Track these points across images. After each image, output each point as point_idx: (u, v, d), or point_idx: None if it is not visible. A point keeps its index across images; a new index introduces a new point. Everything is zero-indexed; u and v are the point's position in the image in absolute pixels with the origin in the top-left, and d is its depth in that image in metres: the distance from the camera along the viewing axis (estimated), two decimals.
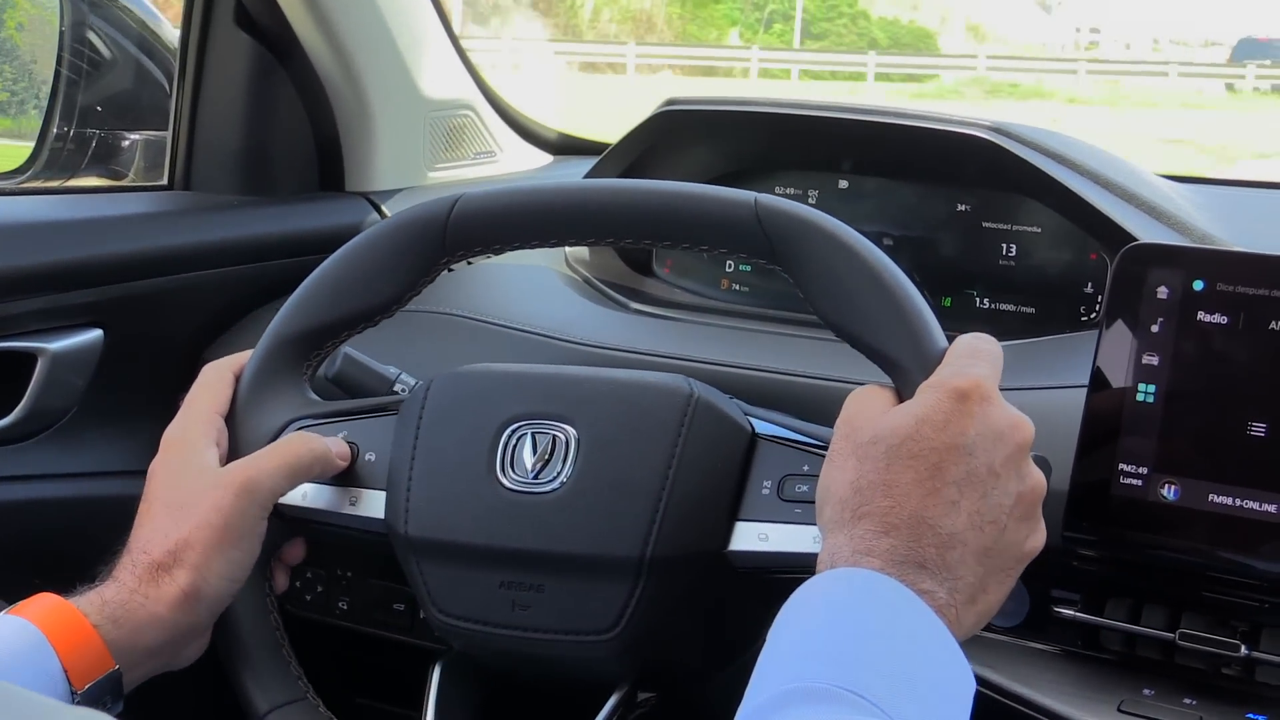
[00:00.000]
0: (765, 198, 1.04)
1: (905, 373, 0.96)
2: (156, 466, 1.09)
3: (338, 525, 1.11)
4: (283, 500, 1.10)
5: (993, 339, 0.97)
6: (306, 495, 1.11)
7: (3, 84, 1.74)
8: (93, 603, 1.00)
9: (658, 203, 1.08)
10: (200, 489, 1.05)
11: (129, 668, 1.00)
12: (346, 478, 1.11)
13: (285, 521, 1.11)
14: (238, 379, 1.14)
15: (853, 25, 26.24)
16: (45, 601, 0.99)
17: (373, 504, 1.09)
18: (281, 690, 1.07)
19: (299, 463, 1.08)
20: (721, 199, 1.06)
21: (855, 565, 0.85)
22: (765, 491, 1.01)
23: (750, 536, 1.01)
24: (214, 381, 1.13)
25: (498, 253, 1.13)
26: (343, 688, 1.49)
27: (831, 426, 0.95)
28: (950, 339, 0.98)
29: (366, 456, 1.11)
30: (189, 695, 1.29)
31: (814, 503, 0.94)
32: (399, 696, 1.54)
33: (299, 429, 1.12)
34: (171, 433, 1.10)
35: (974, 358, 0.93)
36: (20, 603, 0.99)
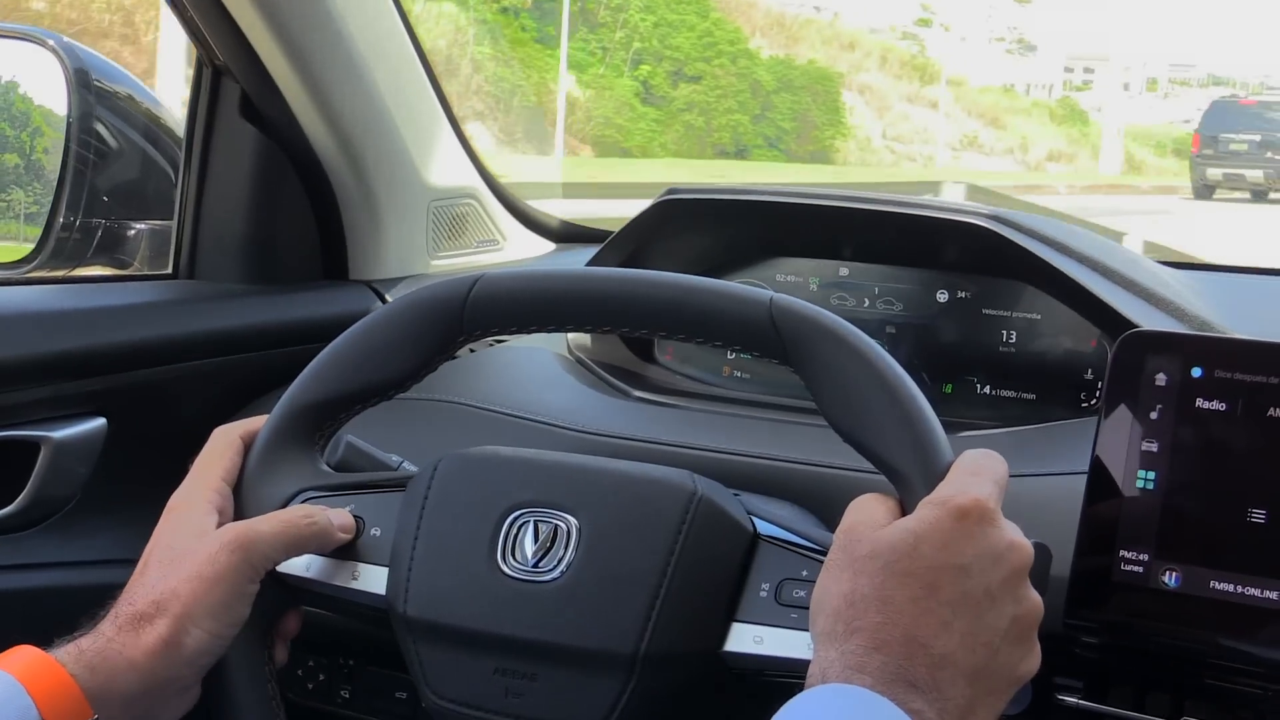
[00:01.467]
0: (780, 298, 1.05)
1: (909, 484, 0.97)
2: (160, 528, 1.10)
3: (339, 598, 1.11)
4: (286, 569, 1.10)
5: (998, 456, 0.97)
6: (310, 566, 1.11)
7: (33, 198, 1.76)
8: (69, 652, 1.01)
9: (675, 296, 1.09)
10: (194, 545, 1.06)
11: (107, 718, 0.99)
12: (351, 552, 1.11)
13: (287, 591, 1.12)
14: (247, 446, 1.15)
15: (732, 65, 24.02)
16: (23, 653, 0.99)
17: (375, 579, 1.10)
18: None
19: (298, 534, 1.08)
20: (737, 296, 1.07)
21: (846, 681, 0.85)
22: (763, 594, 1.01)
23: (745, 638, 1.01)
24: (223, 449, 1.14)
25: (513, 334, 1.14)
26: None
27: (832, 519, 0.95)
28: (951, 431, 0.98)
29: (372, 531, 1.11)
30: None
31: (810, 609, 0.94)
32: None
33: (307, 500, 1.13)
34: (176, 497, 1.11)
35: (977, 476, 0.94)
36: None
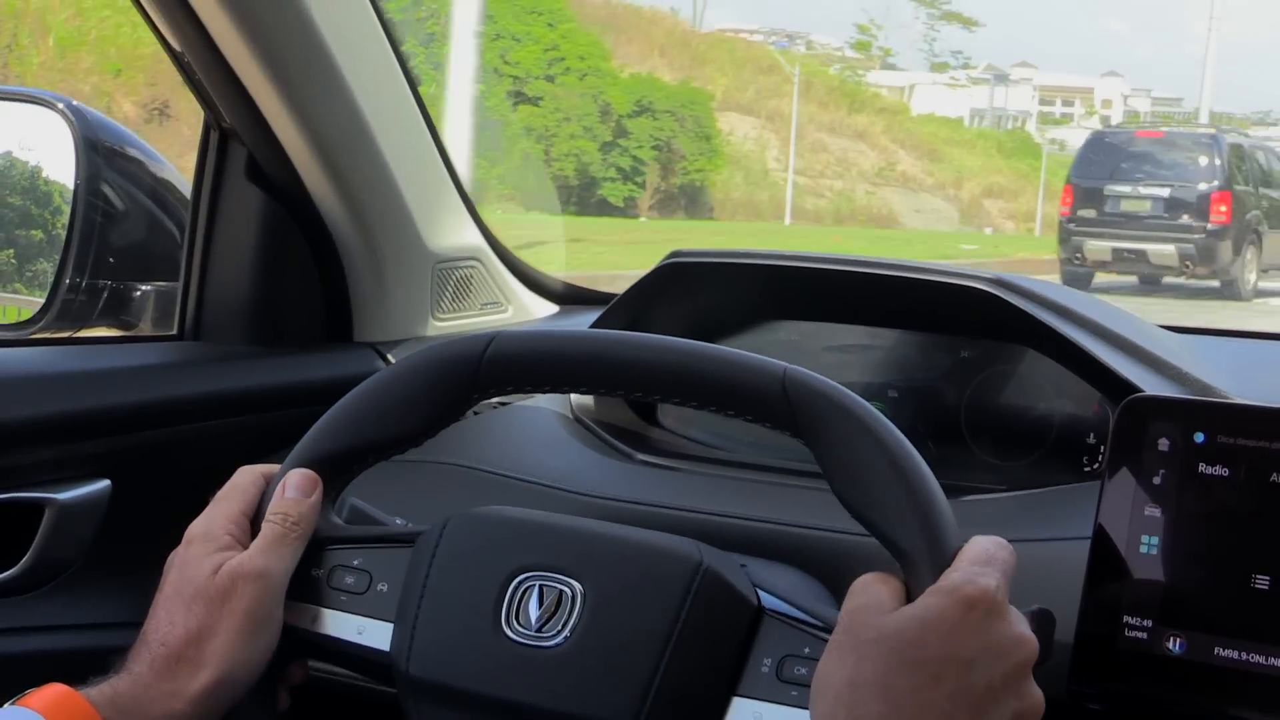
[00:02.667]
0: (794, 370, 1.06)
1: (916, 567, 0.97)
2: (175, 558, 1.11)
3: (344, 652, 1.12)
4: (293, 621, 1.11)
5: (1007, 544, 0.97)
6: (316, 620, 1.12)
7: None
8: (103, 693, 1.01)
9: (689, 363, 1.10)
10: (218, 581, 1.06)
11: None
12: (357, 606, 1.11)
13: (293, 643, 1.12)
14: (268, 482, 1.15)
15: (579, 83, 21.05)
16: (53, 691, 0.99)
17: (380, 635, 1.10)
18: None
19: (295, 537, 1.10)
20: (752, 367, 1.08)
21: None
22: (765, 670, 1.01)
23: (745, 714, 1.00)
24: (246, 485, 1.15)
25: (527, 393, 1.16)
26: None
27: (837, 585, 0.96)
28: (952, 496, 0.98)
29: (379, 587, 1.11)
30: None
31: (810, 687, 0.94)
32: None
33: (317, 549, 1.13)
34: (195, 527, 1.12)
35: (987, 565, 0.94)
36: (29, 692, 0.99)
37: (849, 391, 1.05)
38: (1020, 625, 0.92)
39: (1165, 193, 14.09)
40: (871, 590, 0.95)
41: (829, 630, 0.97)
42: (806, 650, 1.00)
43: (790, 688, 0.99)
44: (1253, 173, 14.87)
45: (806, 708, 0.95)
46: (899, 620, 0.90)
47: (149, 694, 1.02)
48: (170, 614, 1.06)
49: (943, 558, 0.96)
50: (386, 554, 1.13)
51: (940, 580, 0.93)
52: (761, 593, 1.05)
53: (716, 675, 1.01)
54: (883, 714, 0.86)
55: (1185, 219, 13.95)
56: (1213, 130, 15.92)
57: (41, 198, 1.78)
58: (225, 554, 1.09)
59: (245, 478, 1.16)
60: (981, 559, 0.94)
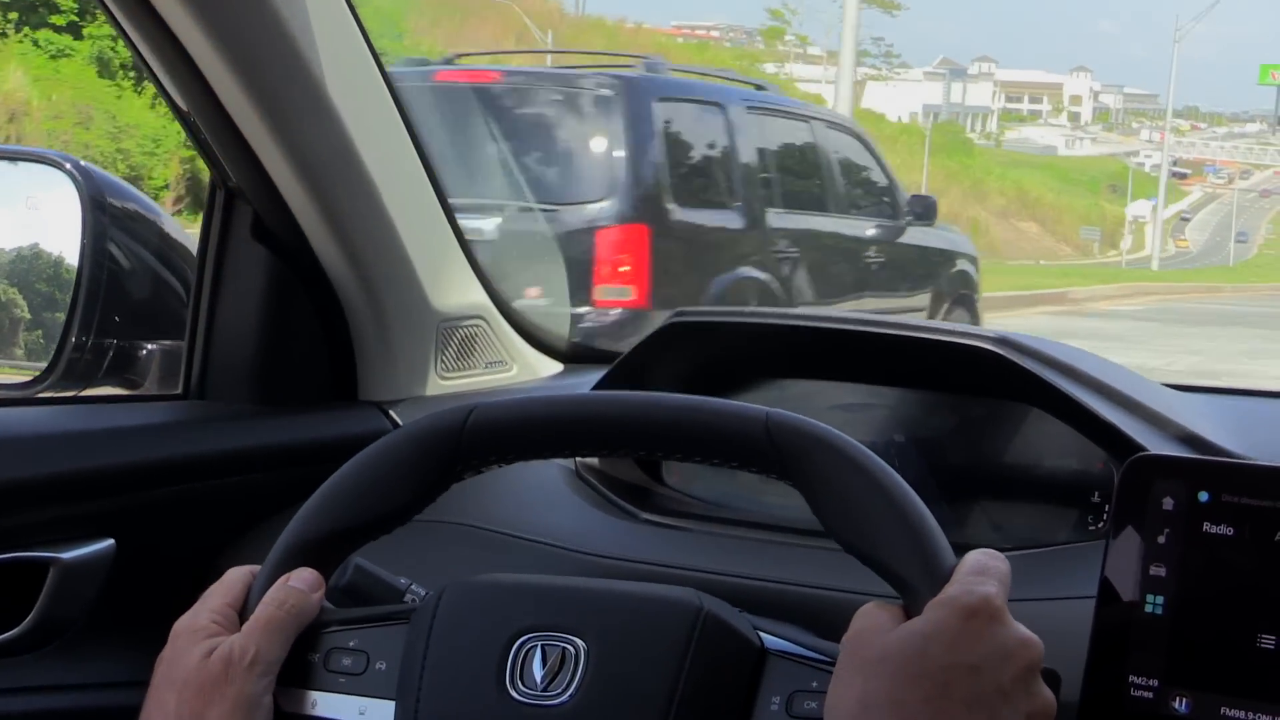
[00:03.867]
0: (776, 413, 1.07)
1: (914, 591, 0.97)
2: (164, 655, 1.10)
3: None
4: (294, 709, 1.10)
5: (1000, 555, 0.98)
6: (316, 705, 1.11)
7: None
8: None
9: (669, 416, 1.11)
10: (209, 666, 1.05)
11: None
12: (357, 687, 1.11)
13: None
14: (251, 583, 1.15)
15: None
16: None
17: (383, 713, 1.09)
18: None
19: (284, 621, 1.09)
20: (733, 414, 1.08)
21: None
22: (774, 708, 1.01)
23: None
24: (232, 581, 1.14)
25: (511, 462, 1.15)
26: None
27: (840, 641, 0.96)
28: (959, 553, 0.99)
29: (377, 666, 1.11)
30: None
31: (823, 718, 0.94)
32: None
33: (312, 634, 1.12)
34: (180, 623, 1.11)
35: (983, 575, 0.95)
36: None
37: (832, 429, 1.06)
38: (1022, 629, 0.93)
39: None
40: (871, 615, 0.96)
41: (833, 662, 0.97)
42: (814, 684, 1.00)
43: None
44: None
45: None
46: (902, 636, 0.91)
47: None
48: (161, 704, 1.06)
49: (939, 577, 0.96)
50: (382, 631, 1.12)
51: (939, 595, 0.94)
52: (763, 634, 1.05)
53: (726, 718, 1.01)
54: None
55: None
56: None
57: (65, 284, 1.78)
58: (214, 640, 1.08)
59: (232, 575, 1.16)
60: (977, 570, 0.96)
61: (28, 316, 1.84)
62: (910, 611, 0.96)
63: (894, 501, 1.01)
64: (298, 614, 1.10)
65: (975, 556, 0.98)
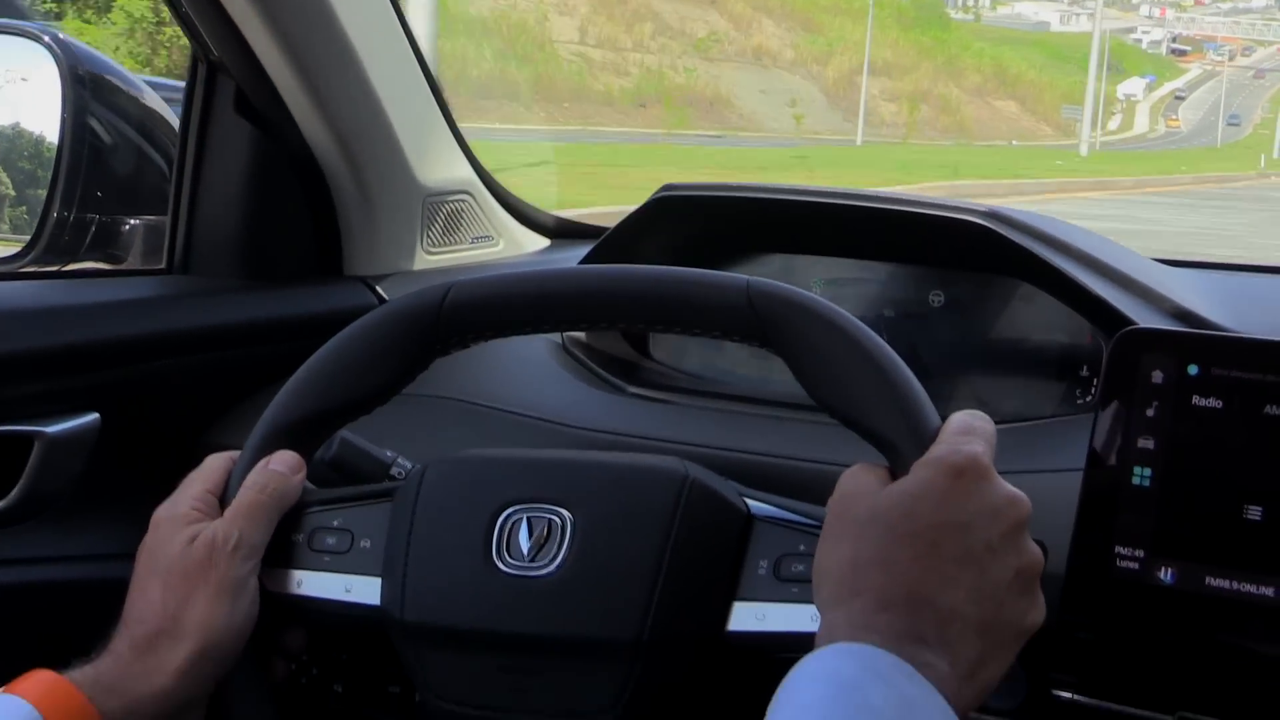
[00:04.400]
0: (757, 281, 1.06)
1: (899, 451, 0.97)
2: (146, 543, 1.09)
3: (335, 613, 1.11)
4: (277, 589, 1.10)
5: (985, 415, 0.98)
6: (302, 584, 1.11)
7: None
8: (86, 675, 1.01)
9: (649, 288, 1.10)
10: (193, 551, 1.06)
11: None
12: (342, 565, 1.11)
13: (282, 609, 1.12)
14: (230, 470, 1.14)
15: None
16: (38, 678, 0.99)
17: (369, 591, 1.09)
18: None
19: (267, 505, 1.09)
20: (713, 283, 1.08)
21: (855, 640, 0.86)
22: (762, 572, 1.01)
23: (748, 617, 1.01)
24: (211, 466, 1.14)
25: (490, 339, 1.14)
26: None
27: (826, 504, 0.96)
28: (944, 417, 0.99)
29: (362, 544, 1.11)
30: None
31: (811, 582, 0.95)
32: None
33: (295, 514, 1.13)
34: (160, 511, 1.11)
35: (969, 434, 0.95)
36: (13, 681, 0.99)
37: (813, 295, 1.05)
38: (1009, 486, 0.93)
39: None
40: (857, 476, 0.96)
41: (820, 525, 0.98)
42: (801, 547, 1.01)
43: (790, 585, 1.00)
44: None
45: (809, 602, 0.96)
46: (890, 497, 0.92)
47: (132, 671, 1.02)
48: (145, 592, 1.06)
49: (924, 437, 0.96)
50: (366, 510, 1.12)
51: (925, 455, 0.94)
52: (749, 500, 1.05)
53: (715, 583, 1.02)
54: (885, 585, 0.87)
55: None
56: None
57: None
58: (196, 527, 1.08)
59: (211, 461, 1.15)
60: (963, 430, 0.96)
61: (11, 194, 1.83)
62: (897, 473, 0.96)
63: (877, 364, 1.00)
64: (279, 497, 1.10)
65: (961, 417, 0.98)
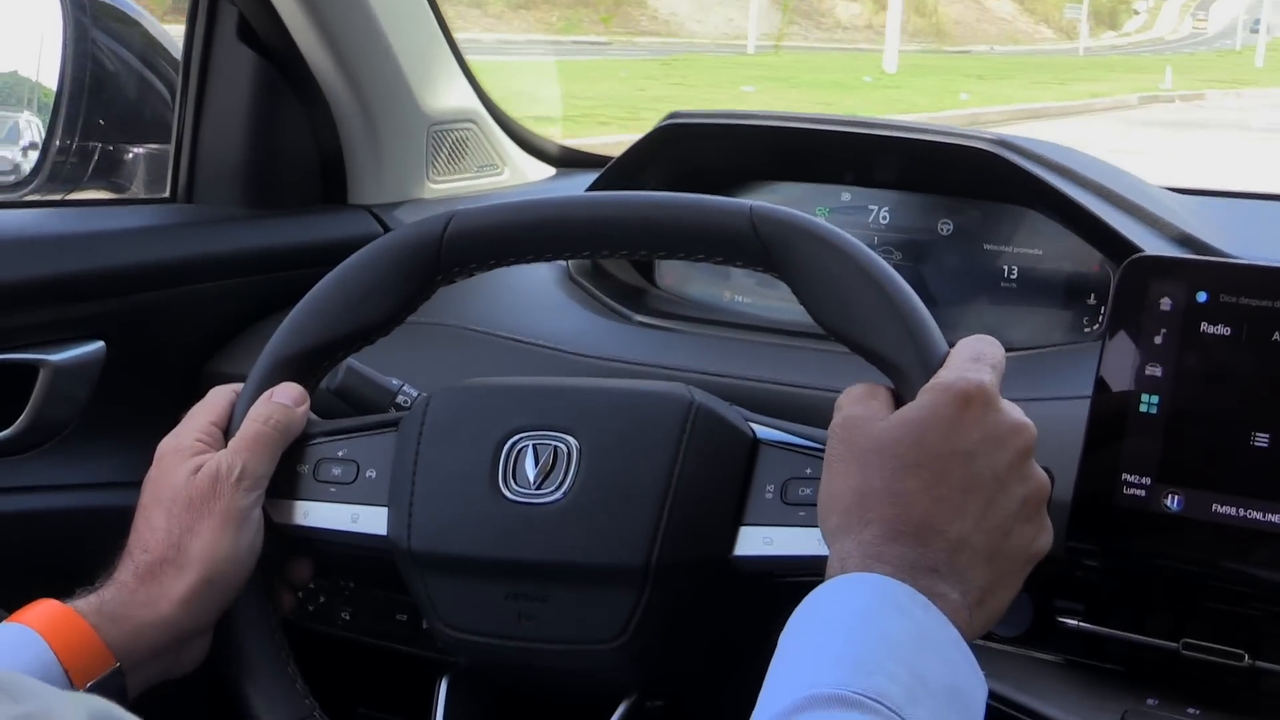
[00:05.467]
0: (760, 205, 1.05)
1: (906, 375, 0.97)
2: (151, 474, 1.10)
3: (341, 543, 1.11)
4: (283, 520, 1.11)
5: (995, 341, 0.97)
6: (308, 514, 1.11)
7: None
8: (90, 604, 1.01)
9: (652, 214, 1.09)
10: (197, 481, 1.06)
11: (132, 668, 1.00)
12: (348, 496, 1.11)
13: (288, 540, 1.12)
14: (234, 402, 1.14)
15: None
16: (43, 607, 1.00)
17: (375, 520, 1.09)
18: (288, 708, 1.07)
19: (270, 437, 1.09)
20: (716, 208, 1.07)
21: (867, 570, 0.86)
22: (769, 496, 1.01)
23: (755, 541, 1.01)
24: (216, 400, 1.14)
25: (492, 268, 1.14)
26: (346, 698, 1.49)
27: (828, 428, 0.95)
28: (951, 344, 0.98)
29: (367, 474, 1.11)
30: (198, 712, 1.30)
31: (818, 507, 0.95)
32: (402, 706, 1.54)
33: (299, 446, 1.13)
34: (165, 442, 1.11)
35: (977, 361, 0.94)
36: (19, 610, 1.00)
37: (817, 218, 1.05)
38: (1016, 413, 0.93)
39: None
40: (860, 399, 0.95)
41: (825, 447, 0.97)
42: (808, 471, 1.00)
43: (797, 509, 1.00)
44: None
45: (814, 526, 0.96)
46: (896, 425, 0.91)
47: (135, 599, 1.02)
48: (150, 521, 1.06)
49: (932, 360, 0.96)
50: (370, 440, 1.12)
51: (932, 380, 0.93)
52: (755, 425, 1.05)
53: (721, 508, 1.01)
54: (895, 516, 0.87)
55: None
56: None
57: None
58: (200, 458, 1.08)
59: (215, 394, 1.15)
60: (971, 355, 0.95)
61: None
62: (902, 397, 0.96)
63: (882, 286, 0.99)
64: (283, 429, 1.10)
65: (970, 342, 0.97)
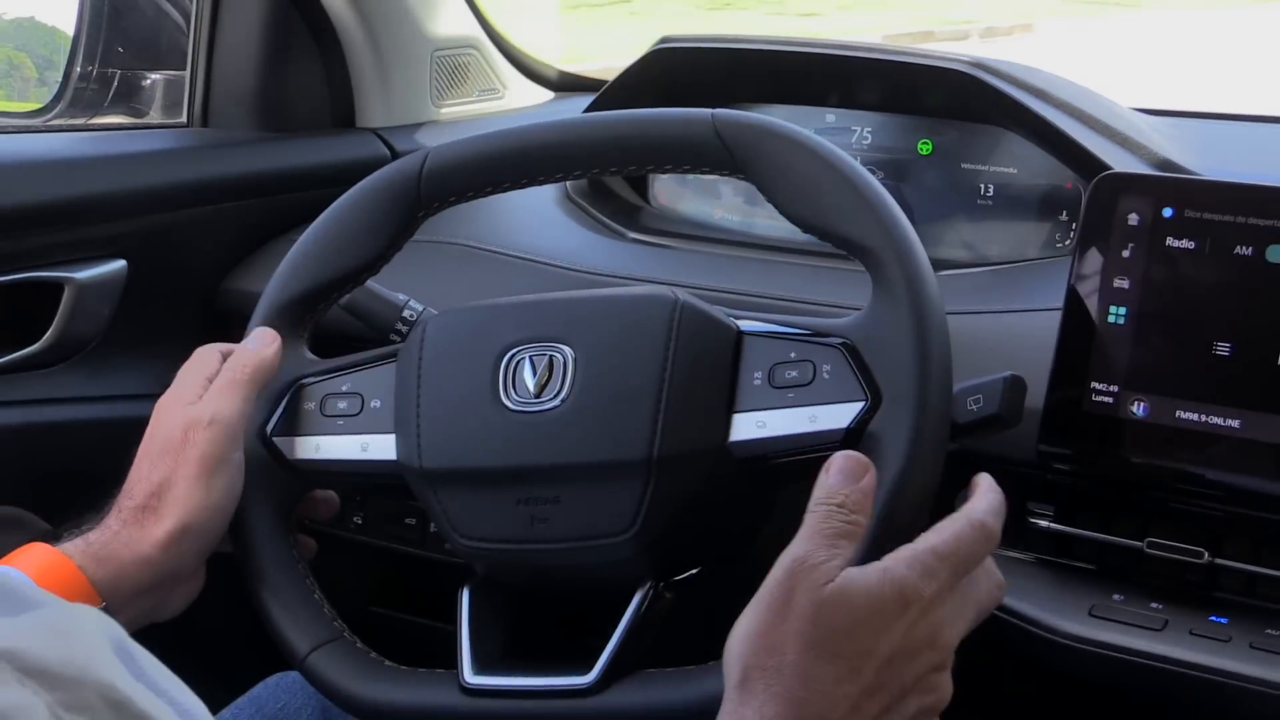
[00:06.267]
0: (722, 112, 1.05)
1: (875, 255, 0.98)
2: (148, 429, 1.09)
3: (353, 472, 1.11)
4: (295, 456, 1.11)
5: (993, 523, 0.90)
6: (319, 448, 1.11)
7: None
8: (77, 545, 1.01)
9: (620, 131, 1.09)
10: (175, 432, 1.05)
11: (118, 608, 0.99)
12: (355, 426, 1.11)
13: (300, 477, 1.12)
14: (225, 358, 1.13)
15: None
16: (32, 550, 1.00)
17: (384, 447, 1.09)
18: (319, 630, 1.07)
19: (246, 382, 1.08)
20: (679, 119, 1.07)
21: None
22: (757, 382, 1.01)
23: (749, 425, 1.00)
24: (205, 356, 1.12)
25: (472, 199, 1.14)
26: (359, 599, 1.49)
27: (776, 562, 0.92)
28: (933, 261, 0.98)
29: (372, 404, 1.11)
30: (230, 642, 1.31)
31: (806, 385, 0.97)
32: (411, 605, 1.55)
33: (304, 386, 1.13)
34: (162, 399, 1.10)
35: (944, 559, 0.86)
36: (11, 553, 1.00)
37: (775, 119, 1.05)
38: (941, 624, 0.86)
39: None
40: (818, 543, 0.86)
41: (808, 333, 0.99)
42: (792, 354, 1.00)
43: (785, 391, 1.00)
44: None
45: (803, 405, 0.97)
46: (838, 602, 0.83)
47: (119, 539, 1.01)
48: (139, 470, 1.05)
49: (898, 245, 0.97)
50: (372, 372, 1.12)
51: (894, 557, 0.85)
52: (739, 320, 1.05)
53: (714, 398, 1.01)
54: (802, 700, 0.82)
55: None
56: None
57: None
58: (186, 410, 1.07)
59: (204, 351, 1.13)
60: (950, 544, 0.87)
61: (35, 76, 1.80)
62: (874, 282, 0.97)
63: (847, 176, 1.00)
64: (254, 371, 1.09)
65: (981, 508, 0.90)
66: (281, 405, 1.12)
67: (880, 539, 0.89)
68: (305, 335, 1.16)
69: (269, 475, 1.11)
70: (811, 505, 0.88)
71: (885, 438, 0.94)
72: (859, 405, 0.96)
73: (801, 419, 0.98)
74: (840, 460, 0.90)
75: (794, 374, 0.99)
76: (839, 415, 0.97)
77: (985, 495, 0.92)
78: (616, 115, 1.11)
